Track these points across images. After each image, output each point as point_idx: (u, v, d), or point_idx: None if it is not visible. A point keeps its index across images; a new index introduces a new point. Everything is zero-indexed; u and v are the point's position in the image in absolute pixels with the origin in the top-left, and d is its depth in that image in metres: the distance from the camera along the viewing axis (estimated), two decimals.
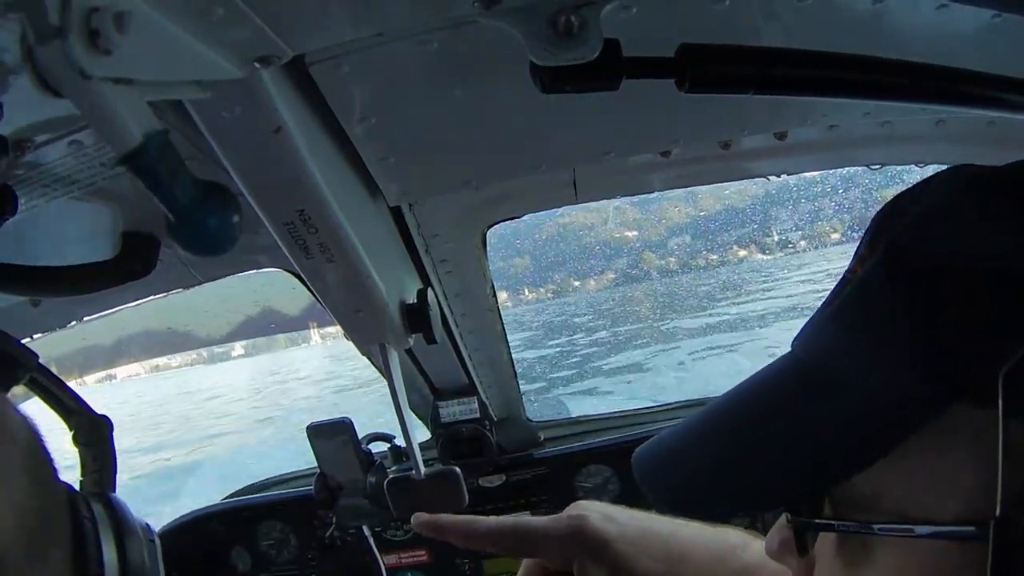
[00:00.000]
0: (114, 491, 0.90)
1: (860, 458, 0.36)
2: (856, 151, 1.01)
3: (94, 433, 0.90)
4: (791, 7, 0.57)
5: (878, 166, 1.06)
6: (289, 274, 1.13)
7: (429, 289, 0.85)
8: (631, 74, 0.49)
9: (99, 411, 0.93)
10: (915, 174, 1.07)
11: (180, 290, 1.08)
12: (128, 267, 0.81)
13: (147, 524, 0.85)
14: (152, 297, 1.08)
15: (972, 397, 0.33)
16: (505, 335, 1.39)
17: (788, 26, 0.60)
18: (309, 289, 0.75)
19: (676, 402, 1.94)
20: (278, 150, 0.55)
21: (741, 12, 0.57)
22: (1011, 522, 0.32)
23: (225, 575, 1.81)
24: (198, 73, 0.45)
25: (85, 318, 1.11)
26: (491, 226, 1.07)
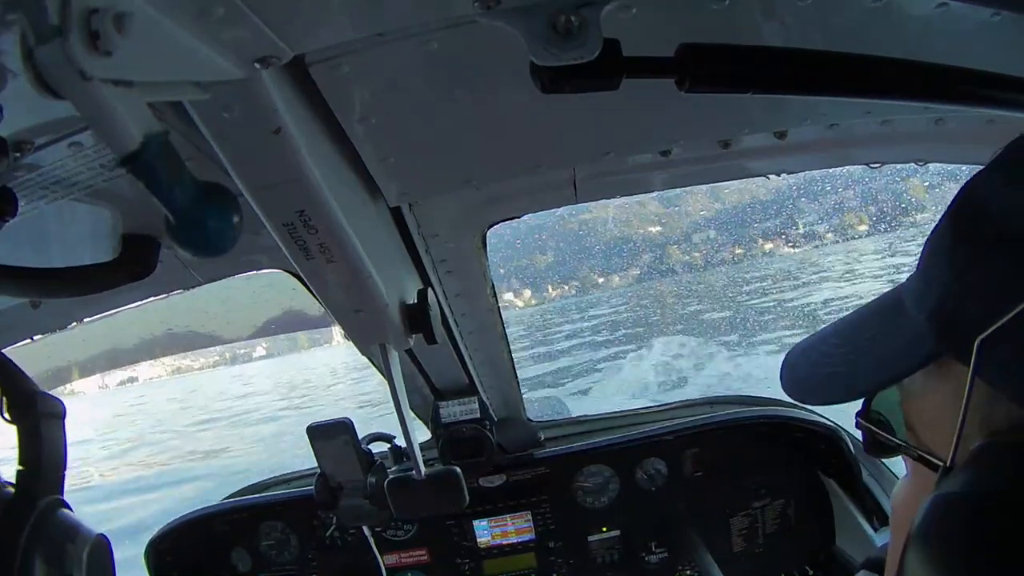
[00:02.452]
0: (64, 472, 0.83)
1: (886, 375, 0.44)
2: (856, 150, 1.01)
3: (23, 410, 0.83)
4: (791, 7, 0.57)
5: (878, 165, 1.06)
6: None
7: (429, 289, 0.85)
8: (631, 74, 0.49)
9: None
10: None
11: (180, 291, 1.08)
12: (128, 269, 0.81)
13: (75, 523, 0.79)
14: (152, 298, 1.08)
15: (957, 354, 0.37)
16: (505, 335, 1.39)
17: (788, 26, 0.60)
18: (309, 289, 0.75)
19: (676, 402, 1.94)
20: (278, 150, 0.55)
21: (741, 12, 0.57)
22: (951, 470, 0.37)
23: (225, 575, 1.81)
24: (198, 74, 0.45)
25: (85, 319, 1.11)
26: (491, 226, 1.07)
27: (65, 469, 0.84)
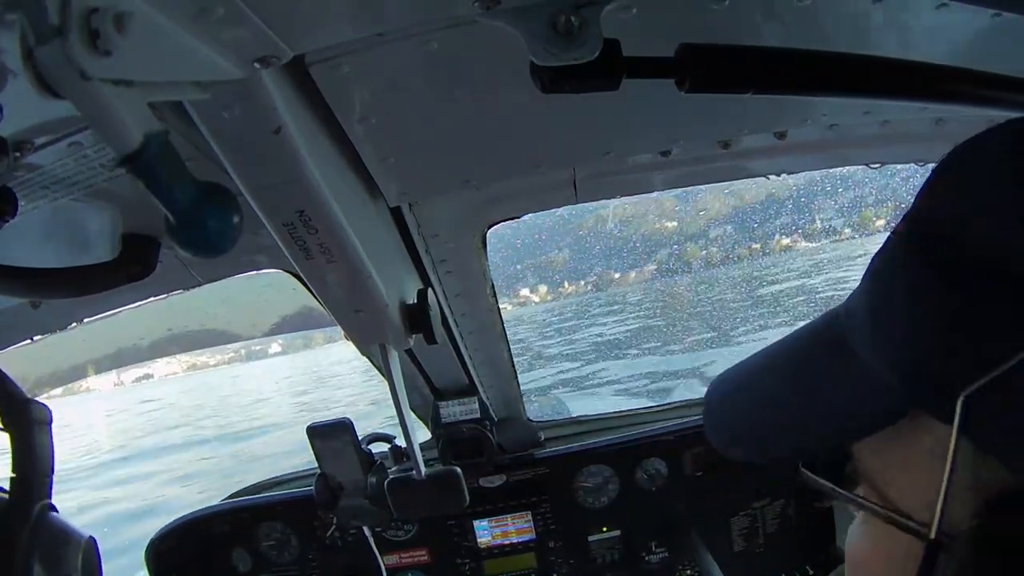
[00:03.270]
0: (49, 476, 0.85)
1: (845, 433, 0.38)
2: (856, 150, 1.01)
3: (16, 417, 0.85)
4: (791, 7, 0.57)
5: (878, 165, 1.06)
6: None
7: (429, 289, 0.85)
8: (631, 74, 0.49)
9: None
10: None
11: (180, 291, 1.08)
12: (128, 269, 0.81)
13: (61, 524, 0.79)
14: (152, 298, 1.08)
15: (935, 409, 0.32)
16: (505, 335, 1.39)
17: (788, 26, 0.60)
18: (309, 289, 0.75)
19: (676, 402, 1.93)
20: (278, 150, 0.55)
21: (741, 12, 0.57)
22: (942, 547, 0.33)
23: (226, 575, 1.82)
24: (198, 73, 0.45)
25: (85, 320, 1.11)
26: (491, 226, 1.07)
27: (53, 474, 0.86)
